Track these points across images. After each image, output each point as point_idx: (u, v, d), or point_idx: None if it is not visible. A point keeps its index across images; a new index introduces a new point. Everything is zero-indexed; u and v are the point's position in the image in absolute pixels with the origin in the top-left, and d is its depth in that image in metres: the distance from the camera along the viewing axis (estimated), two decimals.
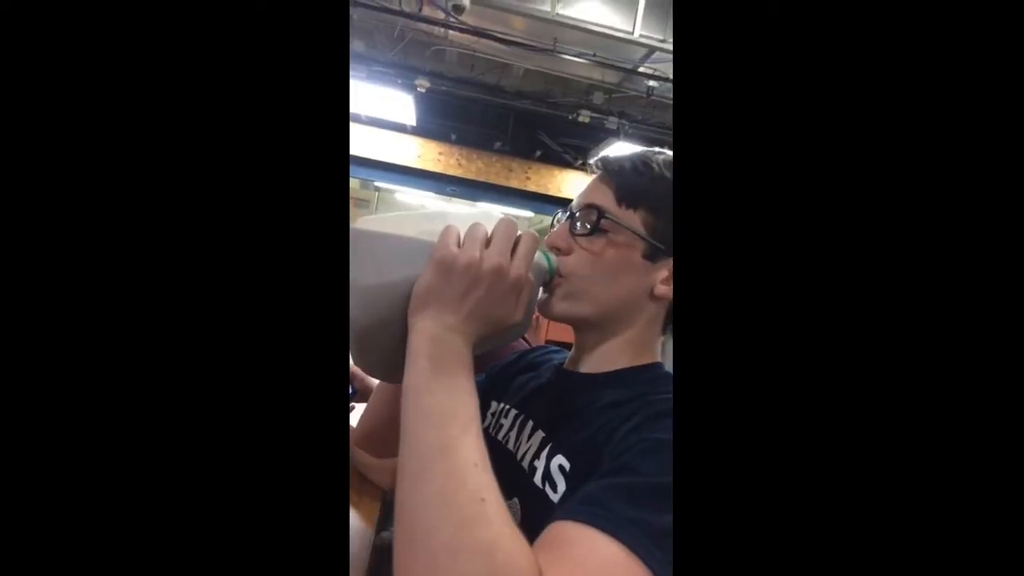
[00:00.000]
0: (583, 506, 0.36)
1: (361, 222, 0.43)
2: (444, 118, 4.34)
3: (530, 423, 0.52)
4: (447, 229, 0.41)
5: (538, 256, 0.45)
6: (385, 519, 0.93)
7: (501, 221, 0.42)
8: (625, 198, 0.50)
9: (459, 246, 0.40)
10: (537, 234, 0.44)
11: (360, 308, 0.41)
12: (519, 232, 0.42)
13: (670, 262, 0.50)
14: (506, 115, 4.33)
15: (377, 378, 0.53)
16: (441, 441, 0.34)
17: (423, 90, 3.42)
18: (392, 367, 0.41)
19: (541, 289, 0.50)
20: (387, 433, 0.60)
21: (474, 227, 0.41)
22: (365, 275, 0.41)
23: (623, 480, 0.37)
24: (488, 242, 0.41)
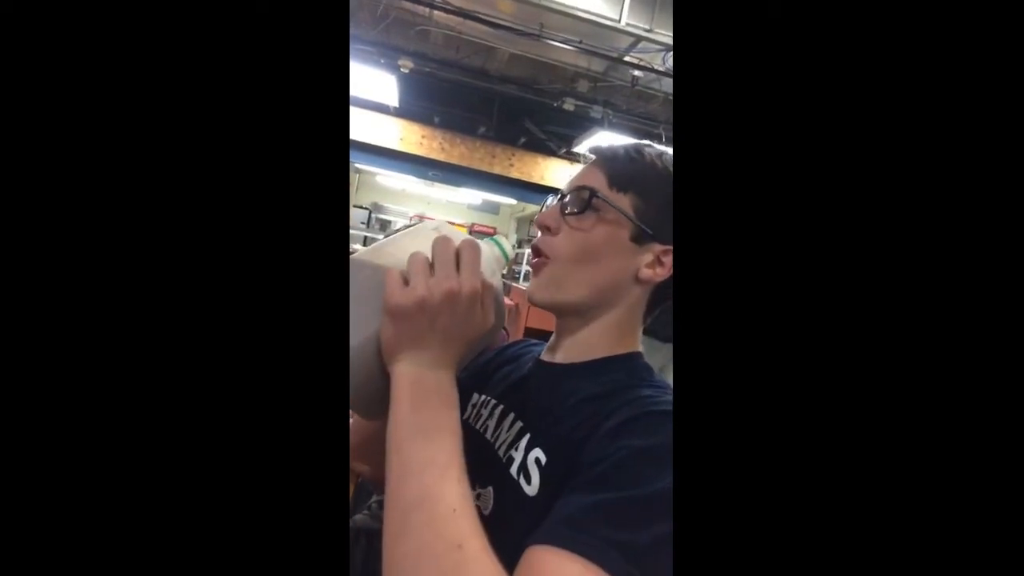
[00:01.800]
0: (565, 530, 0.36)
1: None
2: (428, 100, 4.28)
3: (510, 414, 0.52)
4: (388, 275, 0.41)
5: (487, 248, 0.46)
6: (357, 502, 0.93)
7: (435, 243, 0.42)
8: (616, 182, 0.51)
9: (405, 283, 0.40)
10: (510, 225, 0.44)
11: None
12: (456, 243, 0.42)
13: (655, 246, 0.51)
14: (491, 100, 4.29)
15: (380, 419, 0.53)
16: (419, 492, 0.35)
17: (406, 71, 3.36)
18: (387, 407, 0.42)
19: (530, 273, 0.51)
20: (376, 442, 0.61)
21: (413, 260, 0.41)
22: None
23: (602, 497, 0.37)
24: (432, 267, 0.41)
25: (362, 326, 0.41)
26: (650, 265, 0.51)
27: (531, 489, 0.44)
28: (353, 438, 0.63)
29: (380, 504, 0.88)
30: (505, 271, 0.51)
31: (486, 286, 0.43)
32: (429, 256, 0.42)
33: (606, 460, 0.39)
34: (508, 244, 0.50)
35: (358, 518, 0.85)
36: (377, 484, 0.90)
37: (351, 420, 0.63)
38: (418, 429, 0.38)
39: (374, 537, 0.81)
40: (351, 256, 0.45)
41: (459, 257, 0.42)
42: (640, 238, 0.51)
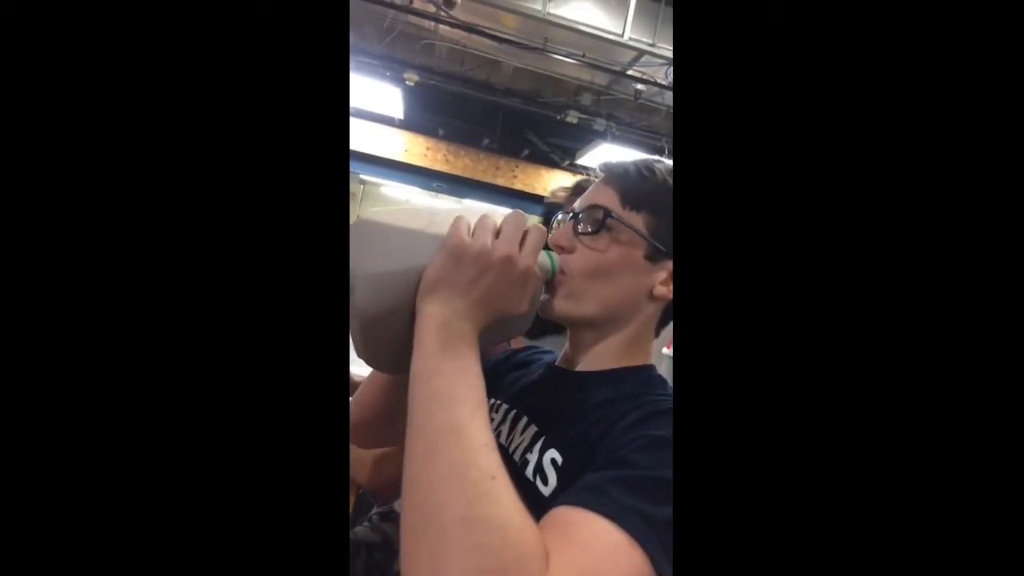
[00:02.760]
0: (585, 493, 0.36)
1: (370, 214, 0.44)
2: (432, 113, 4.31)
3: (524, 418, 0.53)
4: (458, 219, 0.42)
5: (541, 256, 0.46)
6: (358, 513, 0.93)
7: (511, 213, 0.44)
8: (629, 200, 0.52)
9: (470, 235, 0.41)
10: (544, 228, 0.45)
11: (367, 296, 0.41)
12: (527, 225, 0.43)
13: (670, 264, 0.51)
14: (495, 112, 4.31)
15: (381, 370, 0.53)
16: (451, 421, 0.35)
17: (412, 84, 3.39)
18: (397, 357, 0.42)
19: (543, 288, 0.51)
20: (377, 423, 0.60)
21: (484, 218, 0.42)
22: (373, 263, 0.41)
23: (622, 472, 0.38)
24: (498, 233, 0.42)
25: (407, 256, 0.42)
26: (664, 282, 0.51)
27: (548, 489, 0.44)
28: (356, 415, 0.62)
29: (381, 516, 0.88)
30: (548, 281, 0.51)
31: (535, 274, 0.43)
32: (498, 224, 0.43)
33: (625, 446, 0.40)
34: (558, 260, 0.51)
35: (359, 530, 0.84)
36: (376, 495, 0.89)
37: (354, 396, 0.63)
38: (448, 366, 0.38)
39: (374, 549, 0.80)
40: (422, 205, 0.46)
41: (526, 235, 0.43)
42: (654, 256, 0.51)
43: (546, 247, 0.50)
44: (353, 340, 0.44)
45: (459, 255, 0.40)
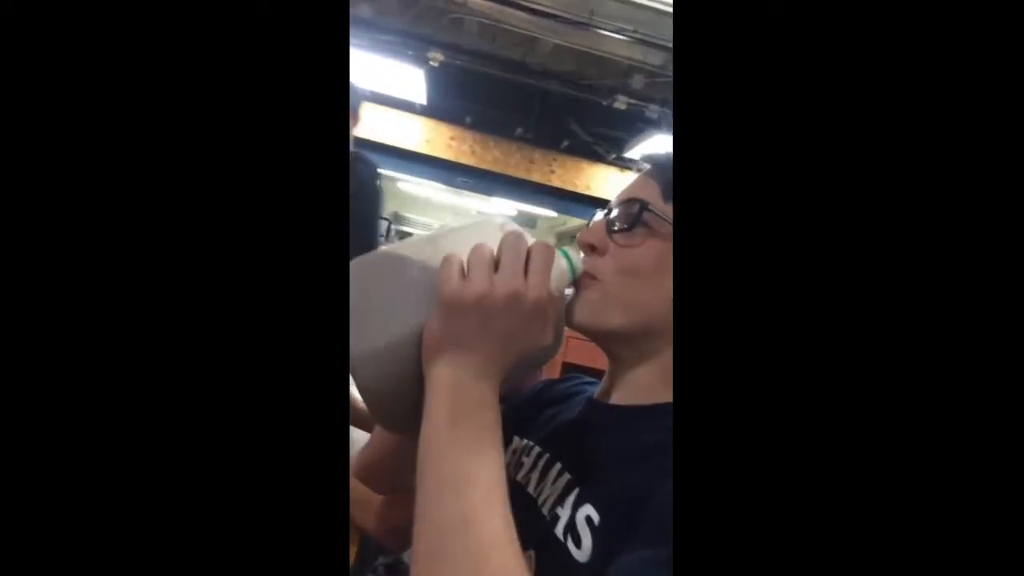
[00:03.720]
0: None
1: (354, 274, 0.43)
2: (459, 98, 4.36)
3: (556, 465, 0.52)
4: (447, 261, 0.41)
5: (557, 258, 0.45)
6: (362, 563, 0.92)
7: (506, 237, 0.42)
8: (671, 193, 0.50)
9: (464, 275, 0.40)
10: (550, 242, 0.44)
11: (370, 375, 0.42)
12: (529, 244, 0.42)
13: None
14: (530, 97, 4.33)
15: (400, 434, 0.54)
16: (459, 512, 0.36)
17: (436, 64, 3.43)
18: (414, 420, 0.42)
19: (570, 292, 0.50)
20: (391, 465, 0.61)
21: (477, 251, 0.41)
22: (368, 340, 0.41)
23: (663, 553, 0.36)
24: (496, 264, 0.40)
25: (404, 318, 0.42)
26: None
27: (581, 554, 0.43)
28: (364, 455, 0.63)
29: (388, 568, 0.87)
30: (571, 290, 0.50)
31: (552, 298, 0.42)
32: (495, 251, 0.41)
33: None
34: (578, 258, 0.49)
35: None
36: (382, 541, 0.88)
37: (364, 433, 0.63)
38: (458, 441, 0.38)
39: None
40: (401, 243, 0.46)
41: (529, 259, 0.41)
42: None
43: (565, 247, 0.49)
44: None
45: (457, 307, 0.39)
